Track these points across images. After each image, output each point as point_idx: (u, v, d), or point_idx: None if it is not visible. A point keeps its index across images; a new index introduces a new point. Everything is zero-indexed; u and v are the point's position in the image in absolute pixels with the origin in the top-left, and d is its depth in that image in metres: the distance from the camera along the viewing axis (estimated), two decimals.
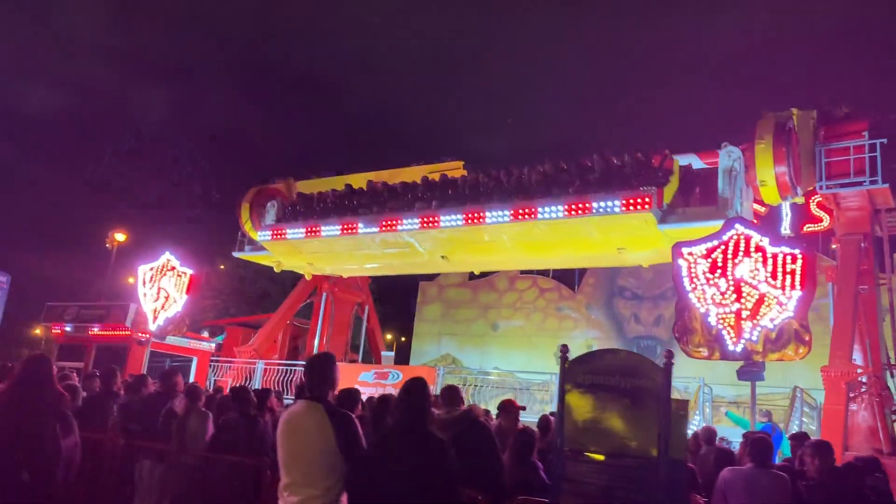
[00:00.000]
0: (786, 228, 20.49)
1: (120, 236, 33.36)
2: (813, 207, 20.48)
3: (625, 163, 14.74)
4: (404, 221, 16.30)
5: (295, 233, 17.74)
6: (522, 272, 27.71)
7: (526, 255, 16.82)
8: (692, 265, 10.58)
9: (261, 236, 18.50)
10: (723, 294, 10.29)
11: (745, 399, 16.39)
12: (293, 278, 33.23)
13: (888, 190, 14.34)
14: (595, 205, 13.97)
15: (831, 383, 12.36)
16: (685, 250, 10.71)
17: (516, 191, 15.49)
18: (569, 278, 27.42)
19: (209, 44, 64.98)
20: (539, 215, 14.56)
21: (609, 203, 13.84)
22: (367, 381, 16.63)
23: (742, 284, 10.20)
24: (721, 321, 10.25)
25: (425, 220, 15.96)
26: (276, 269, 19.93)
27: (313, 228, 17.47)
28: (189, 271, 16.88)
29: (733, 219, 11.01)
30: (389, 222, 16.49)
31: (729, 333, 10.17)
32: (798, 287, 9.91)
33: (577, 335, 26.76)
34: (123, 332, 17.57)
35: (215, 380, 19.14)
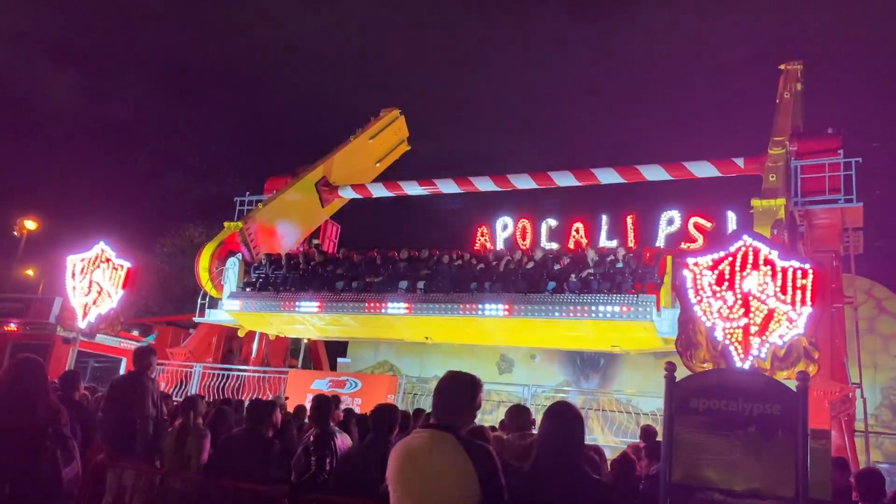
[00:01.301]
0: None
1: (30, 224, 30.83)
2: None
3: (618, 257, 14.83)
4: (389, 304, 15.71)
5: (267, 304, 16.80)
6: None
7: (513, 342, 16.83)
8: (697, 277, 10.09)
9: (227, 305, 17.41)
10: (730, 308, 9.83)
11: None
12: None
13: (861, 209, 14.39)
14: (594, 308, 13.86)
15: (815, 403, 12.14)
16: (690, 260, 10.22)
17: (507, 278, 15.26)
18: None
19: (124, 29, 61.37)
20: (535, 313, 14.34)
21: (609, 308, 13.73)
22: (322, 390, 15.47)
23: (750, 298, 9.77)
24: (728, 336, 9.79)
25: (412, 305, 15.49)
26: (239, 334, 18.59)
27: (288, 303, 16.61)
28: (126, 264, 15.33)
29: (740, 230, 10.62)
30: (373, 304, 15.85)
31: (736, 349, 9.71)
32: (808, 303, 9.55)
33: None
34: (45, 329, 15.87)
35: None
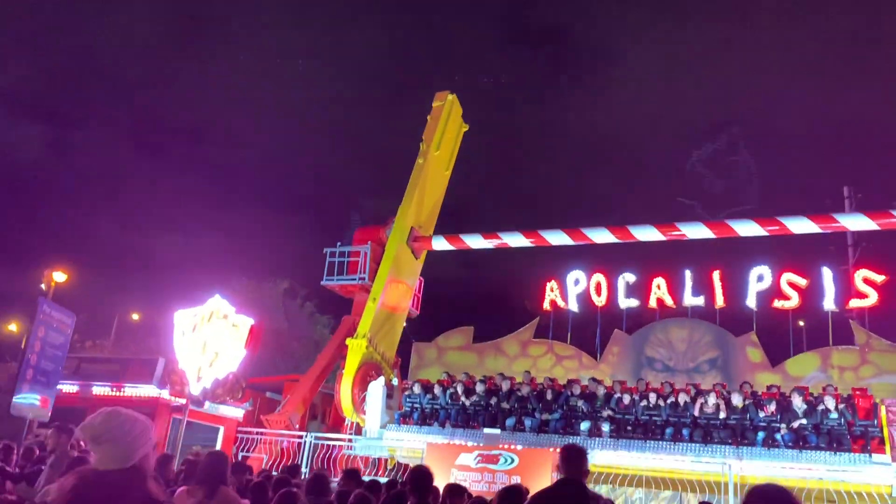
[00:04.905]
0: (829, 303, 19.48)
1: (59, 276, 28.73)
2: (858, 282, 19.60)
3: (829, 407, 13.84)
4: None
5: (417, 440, 15.56)
6: (536, 335, 25.38)
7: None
8: None
9: (386, 438, 16.01)
10: None
11: None
12: (311, 339, 29.45)
13: None
14: (823, 467, 12.98)
15: None
16: None
17: (706, 426, 14.31)
18: (590, 345, 25.27)
19: (95, 87, 59.47)
20: (756, 470, 13.33)
21: (840, 469, 12.90)
22: (469, 465, 13.63)
23: None
24: None
25: (603, 453, 14.32)
26: (389, 464, 16.91)
27: (461, 442, 15.20)
28: (248, 321, 13.54)
29: None
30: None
31: None
32: None
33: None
34: (150, 394, 13.88)
35: (243, 455, 15.54)
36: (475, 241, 19.69)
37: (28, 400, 8.81)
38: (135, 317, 36.03)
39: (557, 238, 18.85)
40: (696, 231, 17.63)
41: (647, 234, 18.24)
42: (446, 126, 20.99)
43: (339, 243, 19.01)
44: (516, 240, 19.27)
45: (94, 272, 32.74)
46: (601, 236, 18.45)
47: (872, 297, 19.30)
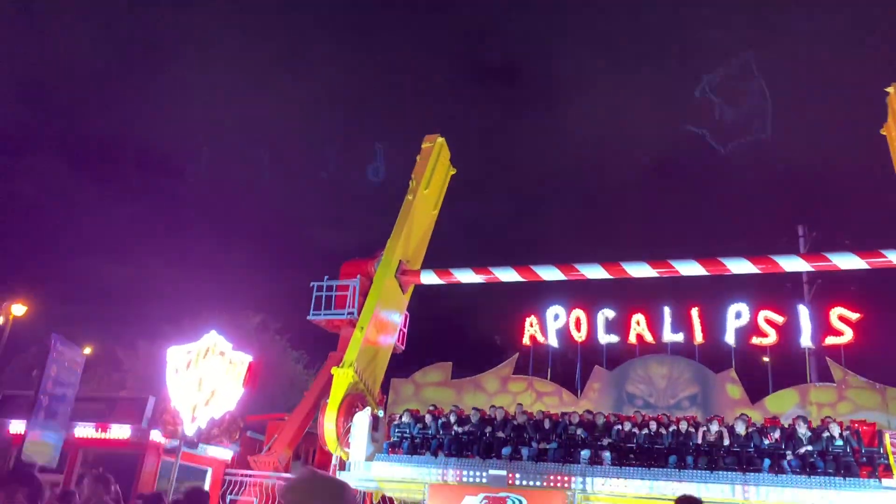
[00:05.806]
0: (806, 340, 19.76)
1: (18, 308, 27.49)
2: (833, 320, 19.92)
3: (833, 433, 13.97)
4: (574, 479, 14.20)
5: (427, 471, 15.08)
6: (516, 371, 25.13)
7: None
8: None
9: (375, 469, 15.43)
10: None
11: None
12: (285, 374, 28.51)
13: None
14: (834, 492, 12.90)
15: None
16: None
17: (711, 453, 14.21)
18: (570, 381, 25.11)
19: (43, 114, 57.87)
20: (768, 496, 13.24)
21: (850, 493, 12.85)
22: None
23: None
24: None
25: (605, 480, 14.10)
26: (374, 499, 16.52)
27: (456, 471, 14.92)
28: (247, 358, 12.99)
29: None
30: (557, 478, 14.33)
31: None
32: None
33: None
34: (135, 435, 13.13)
35: (231, 499, 14.79)
36: (465, 276, 19.42)
37: (37, 445, 8.17)
38: (87, 350, 34.67)
39: (549, 273, 18.71)
40: (688, 268, 17.68)
41: (640, 270, 18.23)
42: (435, 166, 20.96)
43: (326, 277, 18.55)
44: (507, 275, 19.06)
45: (48, 305, 31.37)
46: (594, 272, 18.37)
47: (847, 335, 19.56)
